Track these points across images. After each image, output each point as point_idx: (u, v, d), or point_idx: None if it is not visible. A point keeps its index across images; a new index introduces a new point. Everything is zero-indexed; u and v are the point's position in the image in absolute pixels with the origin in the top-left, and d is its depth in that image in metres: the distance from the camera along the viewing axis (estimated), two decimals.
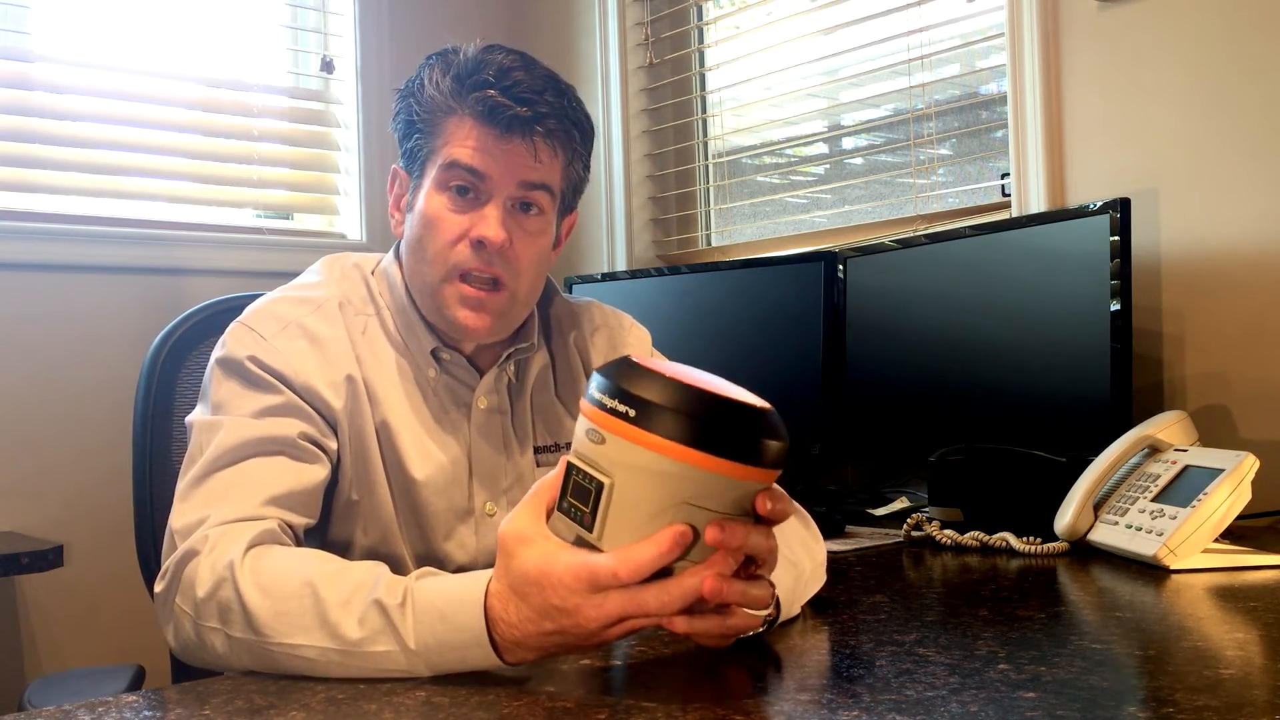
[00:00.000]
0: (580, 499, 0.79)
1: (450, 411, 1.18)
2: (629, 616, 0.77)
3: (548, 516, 0.82)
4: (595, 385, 0.79)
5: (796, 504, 1.10)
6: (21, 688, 1.94)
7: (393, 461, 1.15)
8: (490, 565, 0.85)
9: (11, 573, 1.89)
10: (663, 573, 0.77)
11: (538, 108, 1.11)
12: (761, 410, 0.77)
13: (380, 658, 0.83)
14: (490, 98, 1.09)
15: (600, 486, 0.77)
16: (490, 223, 1.10)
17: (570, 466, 0.80)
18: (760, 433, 0.75)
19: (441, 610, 0.83)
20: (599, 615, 0.77)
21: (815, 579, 1.04)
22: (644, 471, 0.75)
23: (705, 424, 0.74)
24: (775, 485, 0.79)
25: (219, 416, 1.07)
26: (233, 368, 1.10)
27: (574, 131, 1.15)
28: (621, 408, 0.76)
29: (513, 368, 1.22)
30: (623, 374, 0.77)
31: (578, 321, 1.29)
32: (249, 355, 1.09)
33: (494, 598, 0.81)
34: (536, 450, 1.23)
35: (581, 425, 0.79)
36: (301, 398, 1.09)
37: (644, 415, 0.75)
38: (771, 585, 0.81)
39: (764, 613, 0.80)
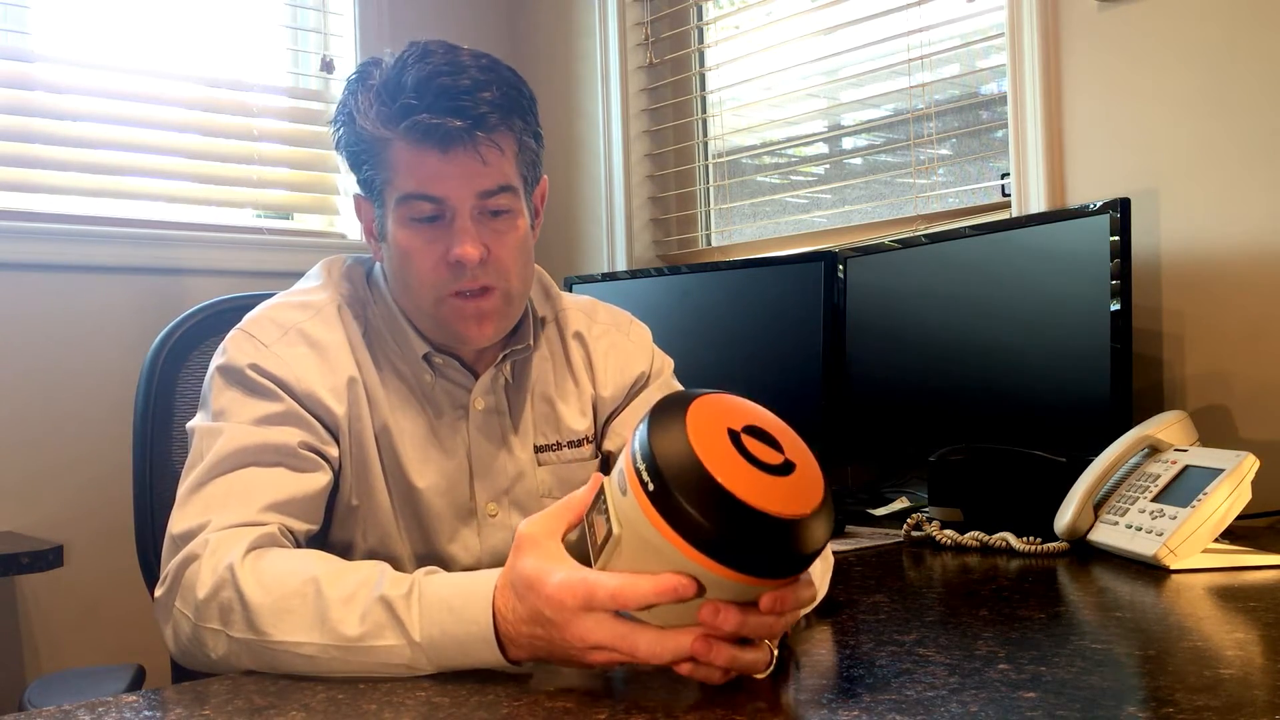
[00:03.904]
0: (597, 526, 0.78)
1: (448, 414, 1.18)
2: (617, 650, 0.77)
3: (568, 530, 0.82)
4: (638, 432, 0.75)
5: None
6: (21, 688, 1.94)
7: (392, 466, 1.15)
8: (494, 565, 0.86)
9: (11, 573, 1.89)
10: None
11: (472, 111, 1.06)
12: (782, 523, 0.71)
13: (383, 652, 0.84)
14: (420, 121, 1.05)
15: (610, 533, 0.76)
16: (463, 241, 1.08)
17: (601, 491, 0.79)
18: (774, 549, 0.71)
19: (449, 602, 0.83)
20: (586, 637, 0.77)
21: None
22: (649, 544, 0.73)
23: (714, 533, 0.70)
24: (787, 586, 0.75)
25: (219, 423, 1.07)
26: (233, 375, 1.09)
27: (514, 118, 1.10)
28: (645, 476, 0.72)
29: (509, 367, 1.22)
30: (661, 434, 0.73)
31: (579, 320, 1.28)
32: (250, 363, 1.09)
33: (499, 592, 0.82)
34: (538, 449, 1.23)
35: (620, 460, 0.77)
36: (303, 405, 1.09)
37: (660, 496, 0.71)
38: (771, 651, 0.78)
39: (763, 675, 0.80)
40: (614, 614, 0.76)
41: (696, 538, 0.71)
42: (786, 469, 0.73)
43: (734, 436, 0.74)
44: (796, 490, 0.73)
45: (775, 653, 0.78)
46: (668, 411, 0.75)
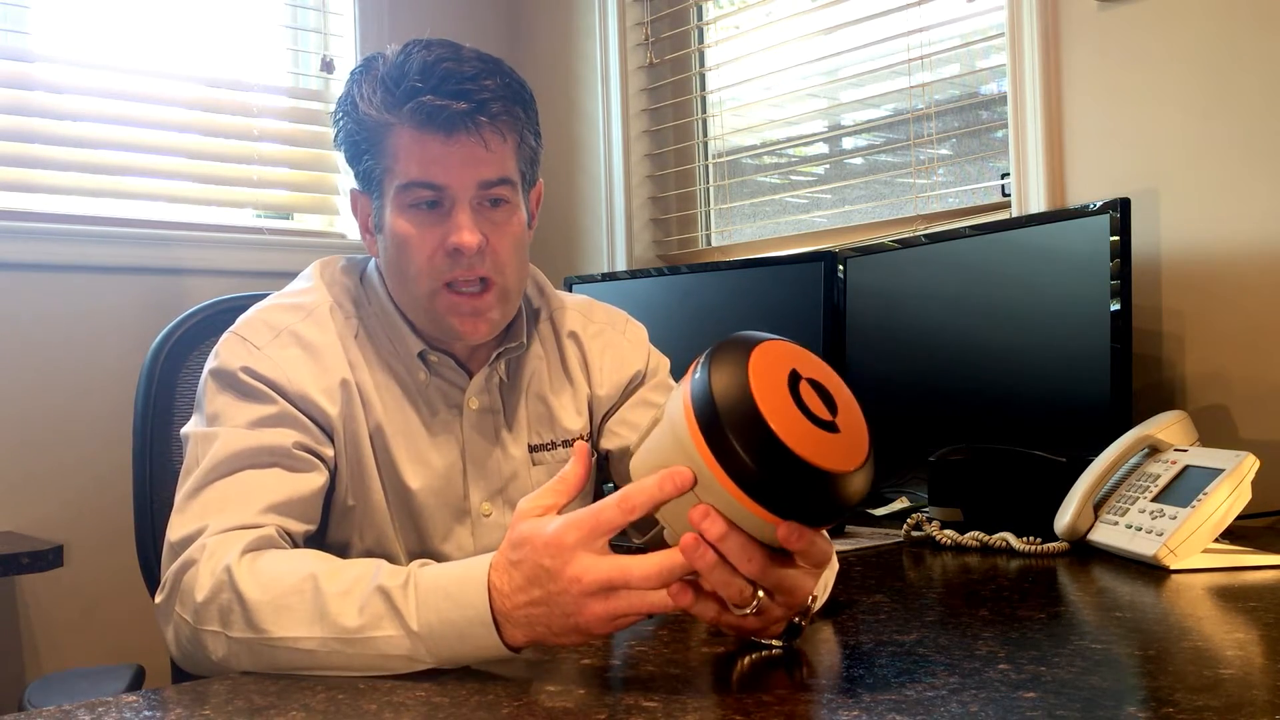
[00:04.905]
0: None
1: (442, 413, 1.18)
2: (613, 584, 0.77)
3: (564, 506, 0.84)
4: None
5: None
6: (21, 688, 1.94)
7: (387, 466, 1.15)
8: None
9: (11, 573, 1.89)
10: None
11: (475, 96, 1.08)
12: (799, 471, 0.73)
13: (382, 643, 0.84)
14: (425, 103, 1.07)
15: (655, 418, 0.81)
16: (462, 229, 1.09)
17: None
18: (772, 490, 0.73)
19: (446, 589, 0.84)
20: (582, 577, 0.78)
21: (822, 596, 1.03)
22: (673, 431, 0.77)
23: (728, 445, 0.73)
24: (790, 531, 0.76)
25: (214, 428, 1.07)
26: (226, 379, 1.09)
27: (516, 108, 1.12)
28: (697, 373, 0.77)
29: (503, 366, 1.22)
30: (727, 347, 0.77)
31: (575, 319, 1.28)
32: (242, 366, 1.09)
33: (494, 570, 0.83)
34: (532, 449, 1.23)
35: None
36: (296, 407, 1.09)
37: (697, 395, 0.75)
38: (755, 591, 0.78)
39: (745, 612, 0.80)
40: (611, 552, 0.79)
41: (711, 438, 0.74)
42: (829, 426, 0.76)
43: (793, 376, 0.77)
44: (830, 445, 0.75)
45: (760, 595, 0.78)
46: (737, 337, 0.79)
